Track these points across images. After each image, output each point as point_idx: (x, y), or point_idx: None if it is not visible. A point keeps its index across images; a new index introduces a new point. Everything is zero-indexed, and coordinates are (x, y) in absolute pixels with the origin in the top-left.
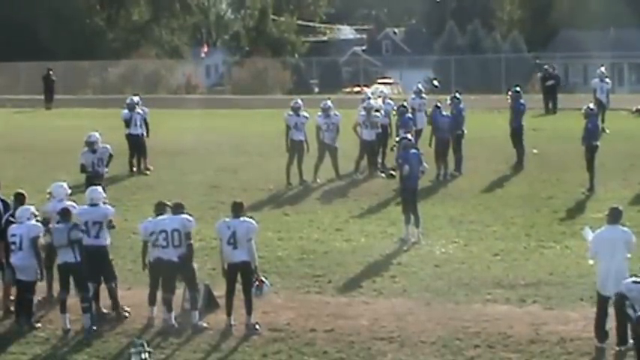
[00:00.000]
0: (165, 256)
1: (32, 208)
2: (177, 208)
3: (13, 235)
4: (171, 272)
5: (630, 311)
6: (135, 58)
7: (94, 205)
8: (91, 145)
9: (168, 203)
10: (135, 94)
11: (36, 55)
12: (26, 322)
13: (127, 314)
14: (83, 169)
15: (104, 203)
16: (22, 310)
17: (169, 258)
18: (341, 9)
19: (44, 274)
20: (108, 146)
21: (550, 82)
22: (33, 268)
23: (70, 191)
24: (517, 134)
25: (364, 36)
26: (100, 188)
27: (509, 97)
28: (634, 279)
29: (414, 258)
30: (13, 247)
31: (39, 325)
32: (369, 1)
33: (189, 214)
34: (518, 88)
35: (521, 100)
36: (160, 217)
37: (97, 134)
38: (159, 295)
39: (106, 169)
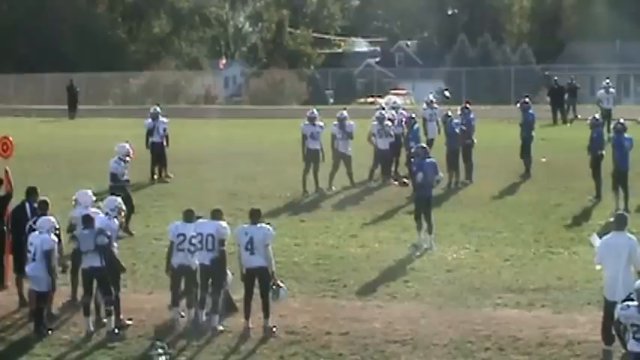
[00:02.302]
0: (199, 260)
1: (53, 219)
2: (215, 214)
3: (30, 244)
4: (204, 275)
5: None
6: (155, 70)
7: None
8: (125, 155)
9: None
10: (157, 104)
11: (60, 66)
12: (36, 330)
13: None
14: (115, 178)
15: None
16: (34, 319)
17: (202, 261)
18: (355, 22)
19: (56, 287)
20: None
21: (569, 91)
22: (45, 280)
23: (94, 198)
24: (526, 144)
25: (378, 48)
26: (118, 198)
27: (519, 107)
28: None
29: (427, 263)
30: (28, 255)
31: (49, 332)
32: (382, 14)
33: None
34: (527, 99)
35: (530, 111)
36: (191, 222)
37: (127, 145)
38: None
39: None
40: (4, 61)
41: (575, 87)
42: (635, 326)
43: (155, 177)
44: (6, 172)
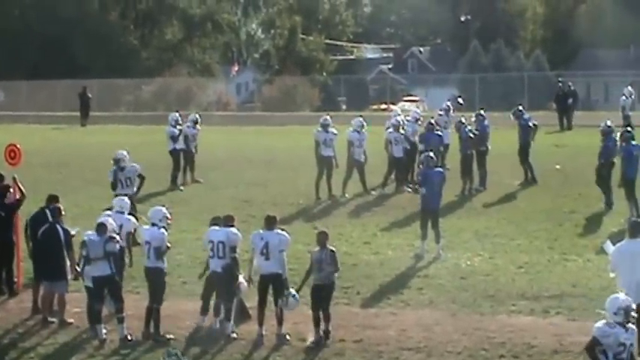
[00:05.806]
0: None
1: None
2: (227, 221)
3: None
4: (217, 282)
5: (602, 357)
6: (167, 76)
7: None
8: (117, 162)
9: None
10: (176, 111)
11: (72, 73)
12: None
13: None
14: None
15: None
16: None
17: (214, 269)
18: (368, 28)
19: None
20: (136, 165)
21: (570, 100)
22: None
23: (129, 204)
24: (523, 150)
25: (390, 55)
26: (163, 208)
27: (512, 116)
28: (606, 321)
29: (441, 270)
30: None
31: (130, 338)
32: (395, 20)
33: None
34: (520, 107)
35: (525, 117)
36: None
37: (125, 152)
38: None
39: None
40: (16, 67)
41: (574, 93)
42: (622, 345)
43: (178, 182)
44: (14, 179)
